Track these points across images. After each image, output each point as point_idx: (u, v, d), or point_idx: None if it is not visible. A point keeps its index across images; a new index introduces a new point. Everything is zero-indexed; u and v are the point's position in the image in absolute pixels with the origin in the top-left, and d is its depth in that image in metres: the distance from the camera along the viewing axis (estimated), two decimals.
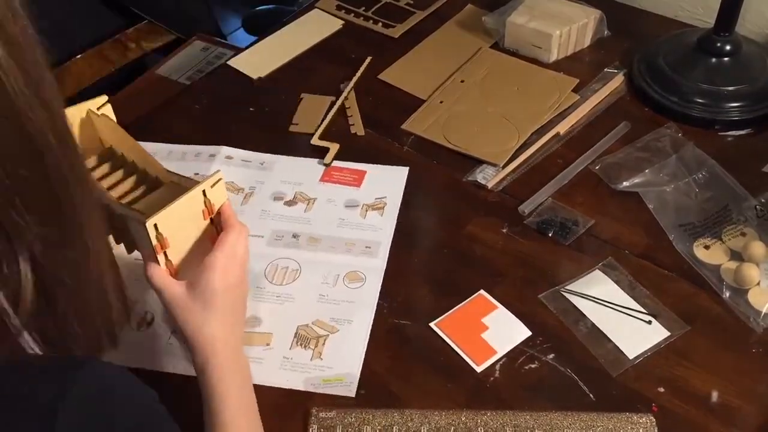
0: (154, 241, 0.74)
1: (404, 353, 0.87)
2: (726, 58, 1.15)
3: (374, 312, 0.91)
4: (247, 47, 1.35)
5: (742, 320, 0.87)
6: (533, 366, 0.85)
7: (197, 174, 1.06)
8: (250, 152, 1.12)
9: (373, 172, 1.09)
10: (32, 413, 0.41)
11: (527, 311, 0.90)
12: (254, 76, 1.27)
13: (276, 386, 0.84)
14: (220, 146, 1.13)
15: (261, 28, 1.43)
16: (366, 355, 0.87)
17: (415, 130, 1.14)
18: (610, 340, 0.86)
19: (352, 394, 0.83)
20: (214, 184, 0.77)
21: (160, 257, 0.75)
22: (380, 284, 0.94)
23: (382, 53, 1.30)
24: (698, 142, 1.09)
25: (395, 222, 1.02)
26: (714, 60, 1.15)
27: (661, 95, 1.15)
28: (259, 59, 1.31)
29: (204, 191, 0.77)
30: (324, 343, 0.88)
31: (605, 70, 1.23)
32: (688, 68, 1.15)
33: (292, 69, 1.28)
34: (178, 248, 0.77)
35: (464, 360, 0.86)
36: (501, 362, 0.85)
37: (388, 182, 1.08)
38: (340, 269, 0.96)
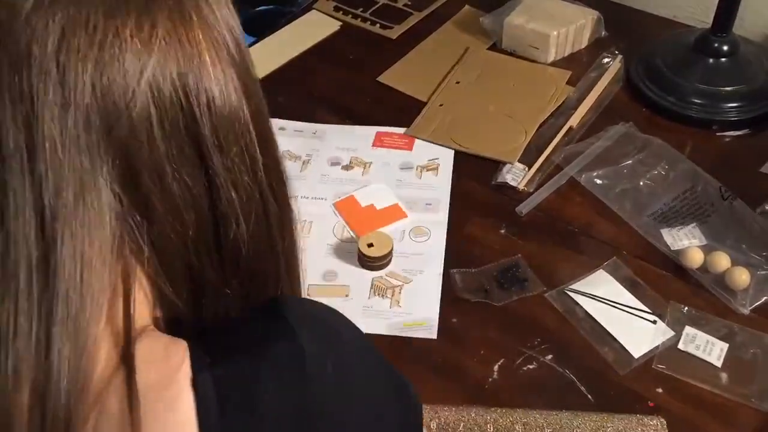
0: None
1: (404, 356, 0.87)
2: (724, 59, 1.15)
3: (443, 261, 0.96)
4: None
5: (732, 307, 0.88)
6: (531, 367, 0.85)
7: None
8: (302, 123, 1.17)
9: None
10: (281, 333, 0.46)
11: (526, 312, 0.90)
12: None
13: None
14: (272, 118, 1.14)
15: (259, 29, 1.43)
16: None
17: (420, 135, 1.14)
18: (615, 340, 0.86)
19: (434, 336, 0.88)
20: None
21: None
22: (444, 236, 0.99)
23: (380, 54, 1.30)
24: (696, 142, 1.09)
25: (451, 180, 1.07)
26: (712, 60, 1.15)
27: (658, 96, 1.15)
28: (257, 60, 1.29)
29: None
30: (400, 292, 0.93)
31: (600, 59, 1.23)
32: (685, 69, 1.16)
33: (291, 70, 1.28)
34: None
35: (462, 361, 0.86)
36: (499, 363, 0.85)
37: (437, 144, 1.12)
38: (405, 225, 1.01)
